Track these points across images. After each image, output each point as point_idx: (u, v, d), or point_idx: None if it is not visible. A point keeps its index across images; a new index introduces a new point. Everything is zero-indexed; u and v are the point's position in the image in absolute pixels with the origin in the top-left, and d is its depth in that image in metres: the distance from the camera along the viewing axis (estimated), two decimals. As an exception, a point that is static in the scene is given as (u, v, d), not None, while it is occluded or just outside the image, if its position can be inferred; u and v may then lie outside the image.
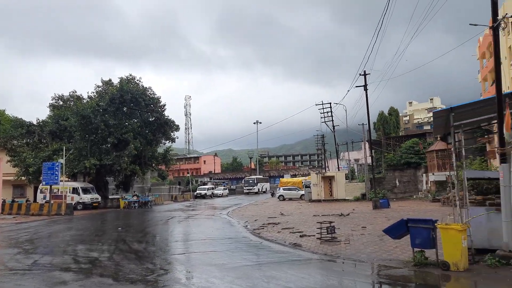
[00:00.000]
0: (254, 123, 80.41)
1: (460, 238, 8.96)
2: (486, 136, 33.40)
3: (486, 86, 44.92)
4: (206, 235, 17.50)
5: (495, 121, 11.00)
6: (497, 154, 11.89)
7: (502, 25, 9.87)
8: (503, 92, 10.57)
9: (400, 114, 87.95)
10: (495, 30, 9.98)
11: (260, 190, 69.16)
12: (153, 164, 47.53)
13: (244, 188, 69.15)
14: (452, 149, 11.27)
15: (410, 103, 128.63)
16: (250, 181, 69.57)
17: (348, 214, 23.15)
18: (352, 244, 13.11)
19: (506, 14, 9.63)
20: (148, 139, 44.19)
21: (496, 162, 23.36)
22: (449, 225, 9.29)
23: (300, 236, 15.53)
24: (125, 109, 43.37)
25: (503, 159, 10.41)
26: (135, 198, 41.84)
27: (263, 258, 12.05)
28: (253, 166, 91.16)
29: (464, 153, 12.13)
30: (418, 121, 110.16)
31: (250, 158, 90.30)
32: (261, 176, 78.48)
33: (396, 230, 10.13)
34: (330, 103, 50.44)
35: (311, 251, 12.51)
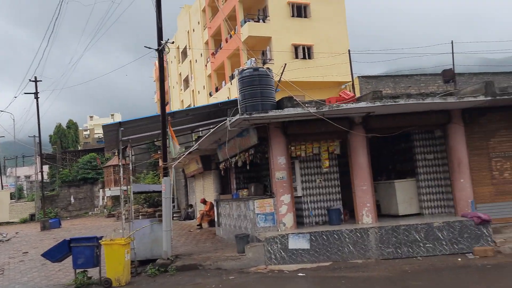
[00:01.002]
0: None
1: (123, 252, 8.91)
2: (158, 152, 36.57)
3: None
4: None
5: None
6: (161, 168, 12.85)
7: (166, 49, 10.83)
8: (167, 111, 11.56)
9: (81, 128, 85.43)
10: (160, 52, 10.85)
11: None
12: None
13: None
14: (120, 163, 11.35)
15: (91, 117, 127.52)
16: None
17: (9, 239, 20.14)
18: (7, 275, 11.28)
19: (168, 39, 10.62)
20: None
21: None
22: (113, 240, 9.12)
23: None
24: None
25: (165, 173, 11.32)
26: None
27: None
28: None
29: (132, 168, 12.48)
30: (99, 136, 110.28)
31: None
32: None
33: (57, 252, 9.14)
34: (-6, 110, 43.15)
35: None
